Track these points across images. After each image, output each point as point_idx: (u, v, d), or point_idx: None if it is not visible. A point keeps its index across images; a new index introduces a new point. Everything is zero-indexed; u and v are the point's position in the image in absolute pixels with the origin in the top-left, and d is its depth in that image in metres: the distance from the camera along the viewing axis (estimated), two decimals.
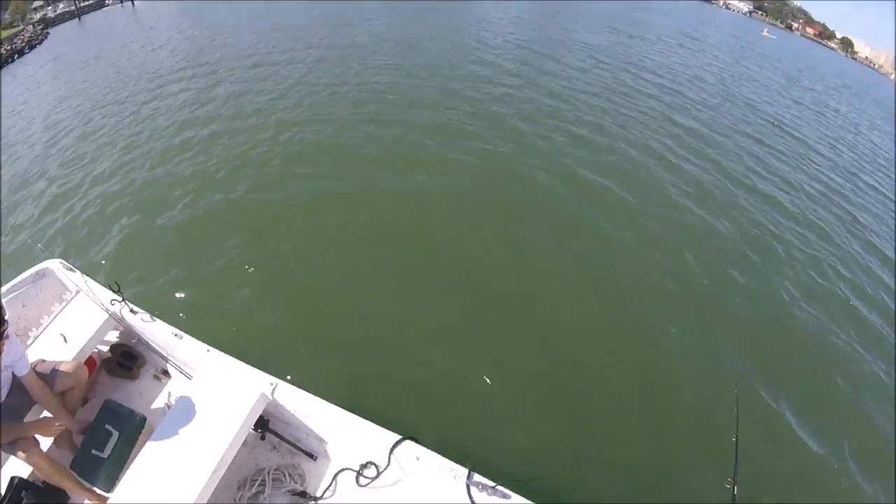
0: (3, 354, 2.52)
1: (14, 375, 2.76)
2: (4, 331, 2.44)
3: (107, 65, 17.32)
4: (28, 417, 2.85)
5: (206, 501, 2.25)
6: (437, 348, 4.33)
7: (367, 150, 7.84)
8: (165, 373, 3.34)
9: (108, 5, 45.09)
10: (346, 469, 2.53)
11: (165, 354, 3.09)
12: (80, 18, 39.07)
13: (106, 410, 2.82)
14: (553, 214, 6.44)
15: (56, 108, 12.99)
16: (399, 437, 2.34)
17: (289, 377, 2.68)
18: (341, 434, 2.50)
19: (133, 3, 42.29)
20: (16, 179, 8.71)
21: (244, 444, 2.71)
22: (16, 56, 24.81)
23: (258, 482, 2.60)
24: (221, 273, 5.27)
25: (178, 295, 4.97)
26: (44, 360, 2.91)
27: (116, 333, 3.55)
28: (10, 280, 3.58)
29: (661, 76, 14.95)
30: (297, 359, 4.12)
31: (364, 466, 2.46)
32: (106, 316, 3.15)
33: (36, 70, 20.90)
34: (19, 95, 16.06)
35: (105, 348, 3.52)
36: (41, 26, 34.49)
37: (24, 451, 2.59)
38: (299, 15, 21.84)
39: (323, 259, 5.47)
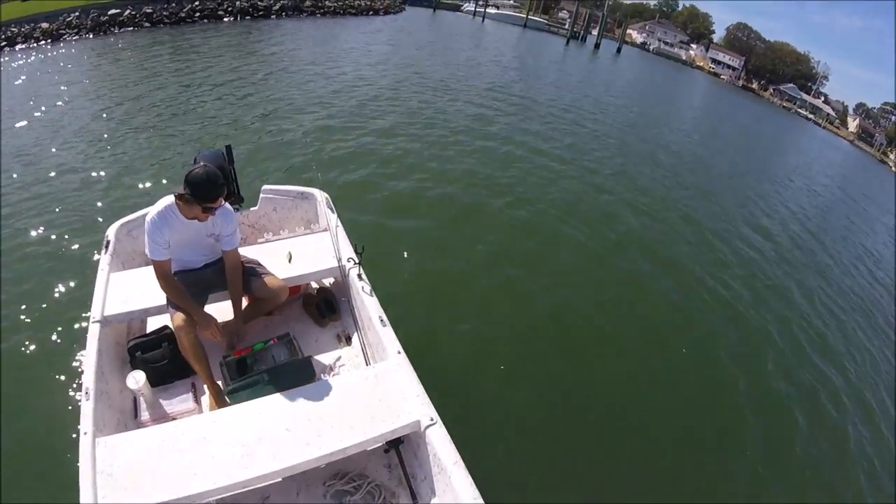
0: (210, 220, 2.75)
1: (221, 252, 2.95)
2: (215, 208, 2.65)
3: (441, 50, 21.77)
4: (213, 297, 3.06)
5: (299, 471, 2.22)
6: None
7: None
8: (348, 339, 3.44)
9: (462, 11, 54.90)
10: None
11: (360, 327, 3.17)
12: (434, 10, 48.96)
13: (287, 342, 2.99)
14: None
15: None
16: None
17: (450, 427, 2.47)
18: (455, 500, 2.27)
19: (483, 20, 50.55)
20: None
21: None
22: (371, 13, 33.63)
23: (355, 484, 2.52)
24: (473, 310, 5.16)
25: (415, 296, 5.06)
26: (259, 264, 3.17)
27: (332, 281, 3.83)
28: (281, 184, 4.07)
29: None
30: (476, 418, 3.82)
31: None
32: (335, 265, 3.37)
33: (382, 26, 27.80)
34: (359, 37, 21.72)
35: (316, 286, 3.83)
36: (402, 1, 43.48)
37: (178, 321, 2.72)
38: None
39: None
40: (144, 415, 2.79)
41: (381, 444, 2.49)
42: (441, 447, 2.34)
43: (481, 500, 2.13)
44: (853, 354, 6.73)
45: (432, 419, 2.43)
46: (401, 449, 2.56)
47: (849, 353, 6.74)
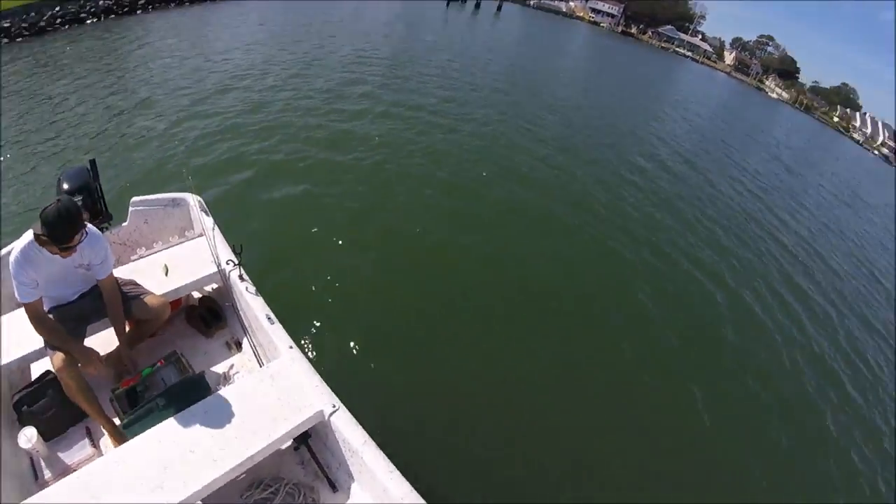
0: (79, 252, 2.50)
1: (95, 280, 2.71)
2: (73, 246, 2.39)
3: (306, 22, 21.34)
4: (92, 328, 2.83)
5: (213, 490, 2.13)
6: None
7: None
8: (238, 345, 3.30)
9: None
10: None
11: (249, 330, 3.06)
12: None
13: (175, 361, 2.81)
14: None
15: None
16: None
17: (353, 407, 2.49)
18: (374, 481, 2.28)
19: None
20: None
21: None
22: None
23: (272, 489, 2.46)
24: (353, 290, 5.16)
25: (296, 286, 5.01)
26: (136, 284, 2.95)
27: (214, 286, 3.60)
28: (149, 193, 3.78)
29: None
30: (378, 399, 3.92)
31: None
32: (215, 269, 3.20)
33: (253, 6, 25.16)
34: (228, 22, 20.38)
35: (198, 296, 3.61)
36: None
37: (58, 362, 2.49)
38: None
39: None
40: (46, 473, 2.58)
41: (288, 442, 2.45)
42: (348, 431, 2.35)
43: (397, 472, 2.18)
44: (728, 260, 7.79)
45: (334, 406, 2.43)
46: (310, 443, 2.52)
47: (723, 258, 7.79)
